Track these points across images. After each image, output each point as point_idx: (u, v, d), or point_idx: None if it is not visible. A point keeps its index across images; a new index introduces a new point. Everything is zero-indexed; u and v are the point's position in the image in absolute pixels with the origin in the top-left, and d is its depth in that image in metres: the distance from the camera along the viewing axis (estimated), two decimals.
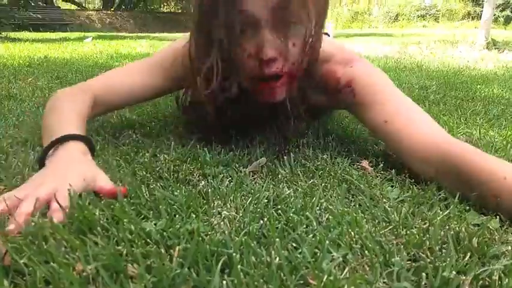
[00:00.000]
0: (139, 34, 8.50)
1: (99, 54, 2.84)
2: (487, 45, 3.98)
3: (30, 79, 1.64)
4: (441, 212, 0.54)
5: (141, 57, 2.81)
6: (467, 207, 0.57)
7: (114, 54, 2.87)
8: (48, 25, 9.63)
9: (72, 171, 0.55)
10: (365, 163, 0.72)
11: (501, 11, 11.99)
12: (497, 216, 0.53)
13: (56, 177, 0.53)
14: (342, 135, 0.94)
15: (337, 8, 9.83)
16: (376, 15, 10.72)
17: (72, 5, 16.07)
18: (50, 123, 0.68)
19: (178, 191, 0.56)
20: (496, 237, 0.48)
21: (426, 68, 2.49)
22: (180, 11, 17.05)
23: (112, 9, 15.42)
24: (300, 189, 0.62)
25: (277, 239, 0.43)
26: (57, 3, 15.11)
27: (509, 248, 0.46)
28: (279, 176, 0.67)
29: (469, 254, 0.44)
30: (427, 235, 0.48)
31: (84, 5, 17.03)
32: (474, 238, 0.46)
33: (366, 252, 0.43)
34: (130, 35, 7.90)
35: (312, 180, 0.67)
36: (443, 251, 0.44)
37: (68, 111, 0.71)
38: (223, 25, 0.65)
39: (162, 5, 17.51)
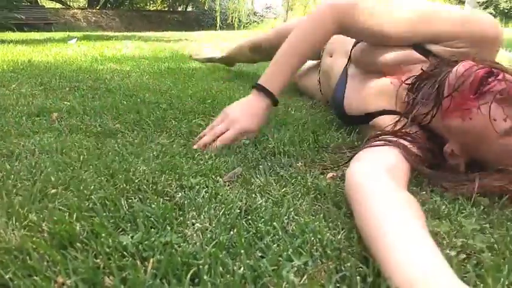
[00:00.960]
0: (125, 33, 8.46)
1: (83, 57, 2.84)
2: None
3: (13, 86, 1.65)
4: None
5: (127, 60, 2.84)
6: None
7: (98, 57, 2.88)
8: (33, 24, 9.51)
9: (251, 123, 0.95)
10: (331, 174, 0.77)
11: (484, 8, 12.21)
12: (448, 220, 0.58)
13: (244, 122, 0.94)
14: (317, 142, 0.98)
15: None
16: None
17: (57, 4, 15.87)
18: (283, 50, 0.97)
19: (155, 203, 0.59)
20: (445, 242, 0.53)
21: None
22: (166, 9, 16.95)
23: (97, 7, 15.27)
24: (271, 199, 0.67)
25: (243, 250, 0.47)
26: (41, 2, 14.89)
27: (455, 252, 0.50)
28: (253, 185, 0.71)
29: None
30: None
31: (69, 3, 16.82)
32: None
33: (324, 260, 0.47)
34: (116, 34, 7.86)
35: (284, 189, 0.71)
36: None
37: (295, 48, 0.96)
38: None
39: (148, 3, 17.38)
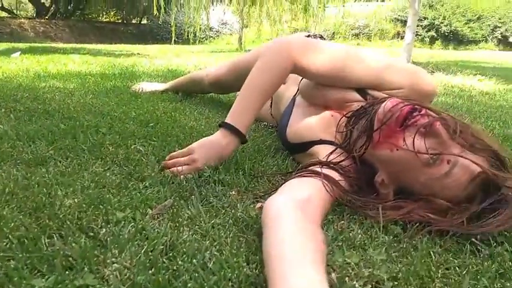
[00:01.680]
0: (75, 45, 8.19)
1: (25, 73, 2.72)
2: None
3: None
4: None
5: (72, 77, 2.76)
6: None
7: (42, 73, 2.77)
8: None
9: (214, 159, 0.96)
10: (259, 205, 0.80)
11: (427, 31, 13.09)
12: (361, 250, 0.63)
13: (204, 160, 0.95)
14: (253, 170, 1.01)
15: (278, 24, 10.14)
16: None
17: (3, 12, 15.07)
18: (246, 88, 1.01)
19: (76, 241, 0.59)
20: (354, 273, 0.57)
21: None
22: (120, 21, 16.62)
23: (46, 17, 14.66)
24: (199, 231, 0.68)
25: None
26: None
27: (362, 283, 0.55)
28: (182, 218, 0.72)
29: None
30: None
31: (15, 12, 16.03)
32: (333, 273, 0.55)
33: None
34: (65, 46, 7.58)
35: (213, 220, 0.73)
36: None
37: (261, 86, 0.99)
38: None
39: (100, 15, 16.95)
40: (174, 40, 7.93)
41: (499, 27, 12.80)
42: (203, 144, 0.97)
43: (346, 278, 0.56)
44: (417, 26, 12.88)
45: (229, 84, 1.66)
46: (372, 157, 0.85)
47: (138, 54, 5.93)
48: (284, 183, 0.81)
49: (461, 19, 12.89)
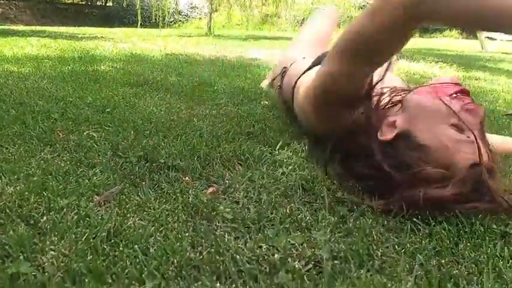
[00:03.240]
0: (36, 28, 7.80)
1: None
2: None
3: None
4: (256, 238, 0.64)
5: (28, 61, 2.63)
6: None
7: None
8: None
9: None
10: (211, 189, 0.80)
11: None
12: (306, 231, 0.64)
13: None
14: (209, 155, 1.01)
15: (248, 9, 10.05)
16: (286, 19, 11.24)
17: None
18: None
19: (13, 229, 0.57)
20: (297, 253, 0.59)
21: None
22: (84, 2, 15.95)
23: None
24: (147, 217, 0.67)
25: (92, 277, 0.47)
26: None
27: (303, 263, 0.56)
28: (131, 204, 0.71)
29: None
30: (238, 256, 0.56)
31: None
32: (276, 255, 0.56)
33: (178, 279, 0.50)
34: (25, 28, 7.21)
35: (164, 206, 0.72)
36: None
37: None
38: None
39: None
40: (141, 24, 7.71)
41: None
42: None
43: (289, 259, 0.57)
44: None
45: None
46: (406, 101, 0.87)
47: (102, 37, 5.72)
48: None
49: None
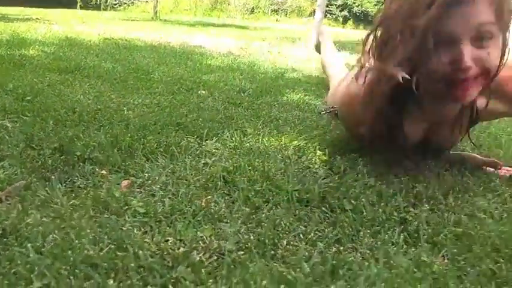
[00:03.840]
0: None
1: None
2: (315, 47, 4.53)
3: None
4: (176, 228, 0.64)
5: None
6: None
7: None
8: None
9: None
10: (126, 183, 0.78)
11: (340, 11, 13.69)
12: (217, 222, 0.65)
13: None
14: (131, 147, 0.98)
15: None
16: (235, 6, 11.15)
17: None
18: None
19: None
20: (203, 245, 0.59)
21: (256, 69, 2.71)
22: None
23: None
24: (52, 214, 0.65)
25: None
26: None
27: (208, 255, 0.57)
28: (35, 200, 0.68)
29: None
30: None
31: None
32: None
33: (71, 276, 0.48)
34: None
35: (72, 201, 0.70)
36: None
37: None
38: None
39: None
40: (80, 6, 7.29)
41: None
42: None
43: (194, 252, 0.58)
44: (331, 5, 13.46)
45: None
46: None
47: (37, 19, 5.34)
48: None
49: (372, 0, 13.66)
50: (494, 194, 0.90)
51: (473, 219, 0.75)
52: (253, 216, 0.71)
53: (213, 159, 0.96)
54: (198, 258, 0.55)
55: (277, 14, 12.34)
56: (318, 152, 1.09)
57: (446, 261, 0.62)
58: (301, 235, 0.66)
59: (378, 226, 0.71)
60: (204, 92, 1.77)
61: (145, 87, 1.74)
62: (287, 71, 2.77)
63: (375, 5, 13.55)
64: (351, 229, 0.68)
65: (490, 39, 0.82)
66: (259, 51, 3.91)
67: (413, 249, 0.64)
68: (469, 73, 0.82)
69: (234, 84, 2.03)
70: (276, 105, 1.67)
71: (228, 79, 2.17)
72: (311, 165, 1.00)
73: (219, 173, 0.87)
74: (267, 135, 1.23)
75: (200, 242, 0.61)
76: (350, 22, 13.60)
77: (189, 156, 0.97)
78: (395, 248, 0.64)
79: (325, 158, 1.06)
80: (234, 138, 1.16)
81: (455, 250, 0.64)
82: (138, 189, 0.77)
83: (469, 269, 0.60)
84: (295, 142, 1.17)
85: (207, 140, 1.13)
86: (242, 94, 1.81)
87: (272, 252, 0.60)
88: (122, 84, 1.76)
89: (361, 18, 13.75)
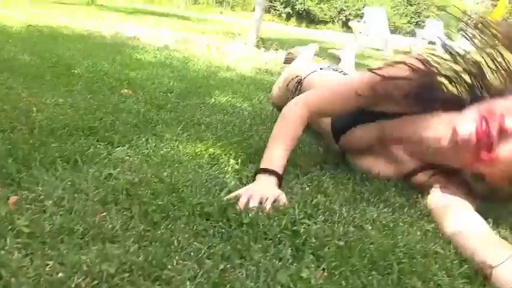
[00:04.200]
0: None
1: None
2: (256, 43, 4.57)
3: None
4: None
5: None
6: None
7: None
8: None
9: (269, 190, 0.91)
10: (14, 199, 0.74)
11: (284, 7, 13.89)
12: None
13: (262, 191, 0.89)
14: (28, 156, 0.93)
15: None
16: None
17: None
18: (271, 143, 1.07)
19: None
20: (83, 270, 0.58)
21: (189, 66, 2.68)
22: None
23: None
24: None
25: None
26: None
27: (89, 280, 0.56)
28: None
29: None
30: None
31: None
32: None
33: None
34: None
35: None
36: None
37: (286, 137, 1.08)
38: None
39: None
40: None
41: (344, 10, 14.39)
42: (255, 187, 0.93)
43: (75, 277, 0.57)
44: (276, 1, 13.57)
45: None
46: None
47: None
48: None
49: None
50: (385, 203, 0.97)
51: (360, 231, 0.81)
52: (149, 233, 0.71)
53: (118, 169, 0.94)
54: (75, 284, 0.54)
55: (221, 5, 12.24)
56: (231, 161, 1.11)
57: (325, 274, 0.67)
58: (192, 253, 0.67)
59: (269, 240, 0.74)
60: (127, 91, 1.72)
61: (63, 84, 1.65)
62: (221, 70, 2.77)
63: (317, 4, 13.93)
64: (242, 244, 0.71)
65: None
66: (197, 46, 3.86)
67: (295, 264, 0.67)
68: None
69: (162, 83, 1.99)
70: (202, 107, 1.67)
71: (157, 77, 2.12)
72: (221, 175, 1.02)
73: (122, 185, 0.86)
74: (184, 141, 1.23)
75: (84, 265, 0.59)
76: (293, 19, 13.87)
77: (94, 166, 0.94)
78: (280, 264, 0.67)
79: (237, 167, 1.08)
80: (148, 145, 1.15)
81: (335, 263, 0.69)
82: (29, 205, 0.74)
83: (343, 282, 0.65)
84: (212, 149, 1.18)
85: (118, 146, 1.10)
86: (168, 95, 1.78)
87: (157, 273, 0.60)
88: (38, 80, 1.65)
89: (303, 16, 14.08)
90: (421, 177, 1.07)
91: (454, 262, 0.76)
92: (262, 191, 0.89)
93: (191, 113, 1.54)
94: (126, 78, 1.94)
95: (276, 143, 1.06)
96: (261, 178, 0.97)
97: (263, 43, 4.64)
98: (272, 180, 0.96)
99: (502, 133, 0.84)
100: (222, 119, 1.54)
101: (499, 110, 0.86)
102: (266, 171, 0.98)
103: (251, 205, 0.83)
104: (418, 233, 0.85)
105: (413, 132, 1.04)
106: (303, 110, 1.12)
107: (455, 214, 0.92)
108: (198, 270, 0.62)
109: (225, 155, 1.15)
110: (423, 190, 1.05)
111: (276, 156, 1.03)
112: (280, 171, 0.99)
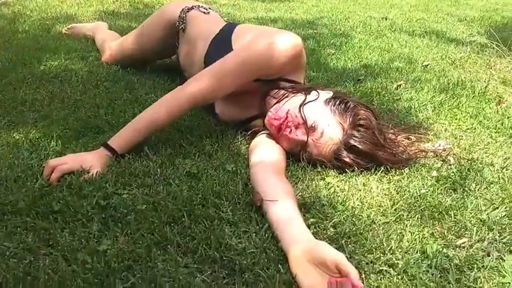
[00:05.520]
0: None
1: None
2: None
3: None
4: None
5: None
6: None
7: None
8: None
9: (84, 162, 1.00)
10: None
11: None
12: None
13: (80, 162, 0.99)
14: None
15: None
16: None
17: None
18: (135, 123, 1.10)
19: None
20: None
21: (18, 25, 2.37)
22: None
23: None
24: None
25: None
26: None
27: None
28: None
29: None
30: None
31: None
32: None
33: None
34: None
35: None
36: None
37: (151, 125, 1.11)
38: None
39: None
40: None
41: None
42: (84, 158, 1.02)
43: None
44: None
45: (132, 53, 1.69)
46: None
47: None
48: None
49: None
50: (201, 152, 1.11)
51: (170, 187, 0.94)
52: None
53: None
54: None
55: None
56: (52, 143, 1.10)
57: (129, 239, 0.79)
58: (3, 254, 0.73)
59: (79, 221, 0.83)
60: None
61: None
62: (57, 22, 2.47)
63: None
64: (49, 234, 0.78)
65: None
66: None
67: (98, 240, 0.78)
68: None
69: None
70: (29, 80, 1.53)
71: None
72: (40, 163, 1.01)
73: None
74: (4, 128, 1.18)
75: None
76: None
77: None
78: (84, 242, 0.77)
79: (58, 149, 1.09)
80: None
81: (137, 227, 0.81)
82: None
83: (140, 241, 0.78)
84: (33, 133, 1.16)
85: None
86: None
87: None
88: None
89: None
90: (259, 122, 1.26)
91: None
92: (76, 163, 0.98)
93: (13, 92, 1.43)
94: None
95: (138, 125, 1.09)
96: (98, 150, 1.05)
97: None
98: (103, 155, 1.03)
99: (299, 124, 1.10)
100: (50, 91, 1.45)
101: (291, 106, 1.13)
102: (106, 146, 1.04)
103: (54, 175, 0.95)
104: (221, 176, 1.01)
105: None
106: (187, 106, 1.13)
107: (260, 148, 1.11)
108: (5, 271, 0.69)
109: (47, 137, 1.14)
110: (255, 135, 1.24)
111: (128, 137, 1.07)
112: (120, 151, 1.04)
